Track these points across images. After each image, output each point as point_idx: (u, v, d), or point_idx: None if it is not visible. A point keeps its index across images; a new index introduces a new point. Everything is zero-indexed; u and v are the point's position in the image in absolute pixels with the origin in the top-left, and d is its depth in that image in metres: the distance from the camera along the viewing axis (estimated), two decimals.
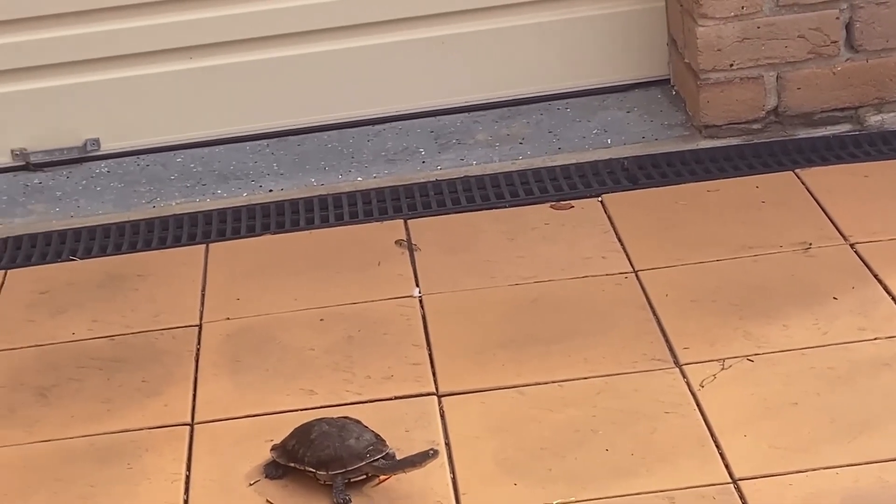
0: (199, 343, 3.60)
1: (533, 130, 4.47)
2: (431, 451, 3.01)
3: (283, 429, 3.19)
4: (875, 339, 3.32)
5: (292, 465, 3.04)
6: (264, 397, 3.35)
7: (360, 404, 3.29)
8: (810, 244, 3.74)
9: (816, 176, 4.06)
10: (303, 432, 3.08)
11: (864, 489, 2.86)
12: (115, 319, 3.72)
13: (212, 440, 3.22)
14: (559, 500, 2.93)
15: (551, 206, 4.07)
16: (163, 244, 4.09)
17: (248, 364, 3.48)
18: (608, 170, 4.21)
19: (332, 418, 3.13)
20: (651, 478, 2.97)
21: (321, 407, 3.28)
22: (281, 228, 4.11)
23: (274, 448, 3.09)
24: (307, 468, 3.01)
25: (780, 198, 3.99)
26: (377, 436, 3.07)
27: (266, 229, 4.11)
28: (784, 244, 3.76)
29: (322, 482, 3.01)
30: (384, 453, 3.03)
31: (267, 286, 3.82)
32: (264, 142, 4.58)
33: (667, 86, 4.57)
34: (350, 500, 2.96)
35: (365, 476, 3.02)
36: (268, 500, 3.01)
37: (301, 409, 3.29)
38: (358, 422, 3.10)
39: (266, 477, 3.07)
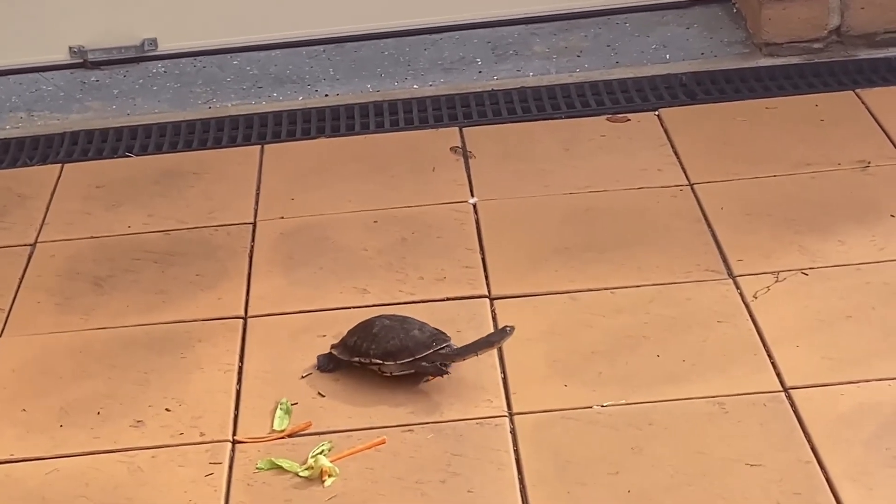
0: (252, 240, 3.61)
1: (591, 44, 4.44)
2: (508, 328, 3.02)
3: (335, 325, 3.22)
4: None
5: (357, 359, 3.04)
6: (317, 294, 3.37)
7: (413, 304, 3.30)
8: (869, 162, 3.71)
9: (877, 96, 4.02)
10: (364, 328, 3.09)
11: None
12: (170, 214, 3.74)
13: (265, 334, 3.24)
14: (609, 402, 2.94)
15: (607, 119, 4.06)
16: (218, 144, 4.10)
17: (301, 262, 3.50)
18: (666, 85, 4.19)
19: (391, 314, 3.15)
20: (702, 384, 2.97)
21: (374, 305, 3.30)
22: (336, 132, 4.11)
23: (334, 346, 3.10)
24: (373, 360, 3.02)
25: (839, 116, 3.95)
26: (438, 329, 3.08)
27: (321, 133, 4.12)
28: (842, 161, 3.73)
29: (388, 374, 3.02)
30: (447, 343, 3.03)
31: (321, 188, 3.83)
32: (320, 47, 4.57)
33: (727, 3, 4.53)
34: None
35: (431, 377, 3.03)
36: (319, 393, 3.03)
37: (354, 307, 3.30)
38: (415, 318, 3.11)
39: (318, 369, 3.10)
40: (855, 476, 2.69)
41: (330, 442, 2.88)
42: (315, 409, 2.99)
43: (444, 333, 3.06)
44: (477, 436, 2.88)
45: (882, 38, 4.20)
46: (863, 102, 4.00)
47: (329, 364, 3.08)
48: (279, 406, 3.00)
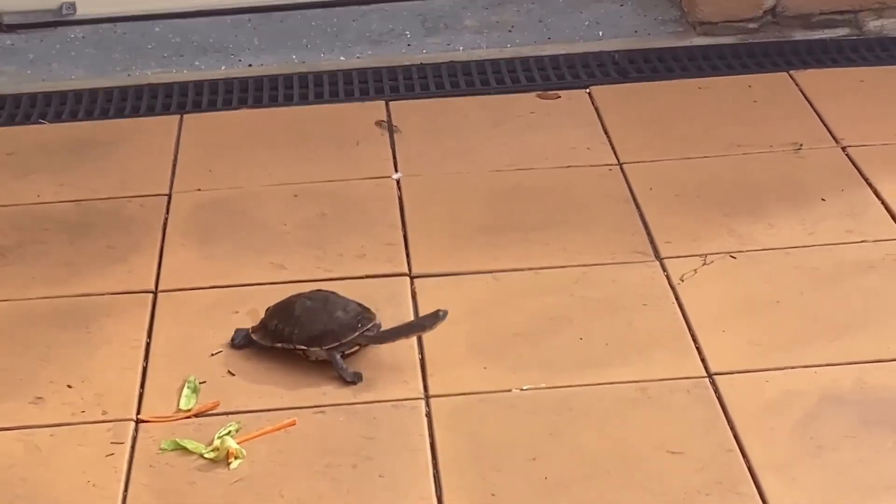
0: (167, 213, 3.48)
1: (523, 19, 4.34)
2: (441, 312, 2.89)
3: (249, 301, 3.10)
4: (862, 241, 3.22)
5: (280, 345, 2.91)
6: (232, 269, 3.25)
7: (331, 281, 3.18)
8: (801, 145, 3.64)
9: (811, 78, 3.95)
10: (283, 310, 2.96)
11: (843, 389, 2.78)
12: (83, 184, 3.60)
13: (175, 309, 3.12)
14: (529, 386, 2.85)
15: (538, 96, 3.96)
16: (136, 113, 3.95)
17: (217, 236, 3.38)
18: (598, 62, 4.09)
19: (311, 292, 3.02)
20: (625, 368, 2.88)
21: (291, 282, 3.18)
22: (258, 103, 3.98)
23: (255, 331, 2.96)
24: (297, 346, 2.90)
25: (772, 98, 3.88)
26: (361, 305, 2.96)
27: (243, 104, 3.99)
28: (774, 144, 3.65)
29: (313, 359, 2.90)
30: (374, 322, 2.92)
31: (241, 160, 3.70)
32: (246, 16, 4.43)
33: None
34: (361, 376, 2.85)
35: (358, 347, 2.91)
36: (229, 371, 2.92)
37: (270, 283, 3.19)
38: (336, 294, 3.00)
39: (232, 346, 2.99)
40: (778, 466, 2.60)
41: (238, 423, 2.76)
42: (224, 388, 2.87)
43: (369, 311, 2.94)
44: (391, 419, 2.78)
45: (818, 20, 4.12)
46: (796, 84, 3.92)
47: (243, 340, 2.96)
48: (186, 384, 2.87)
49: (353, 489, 2.60)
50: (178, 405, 2.82)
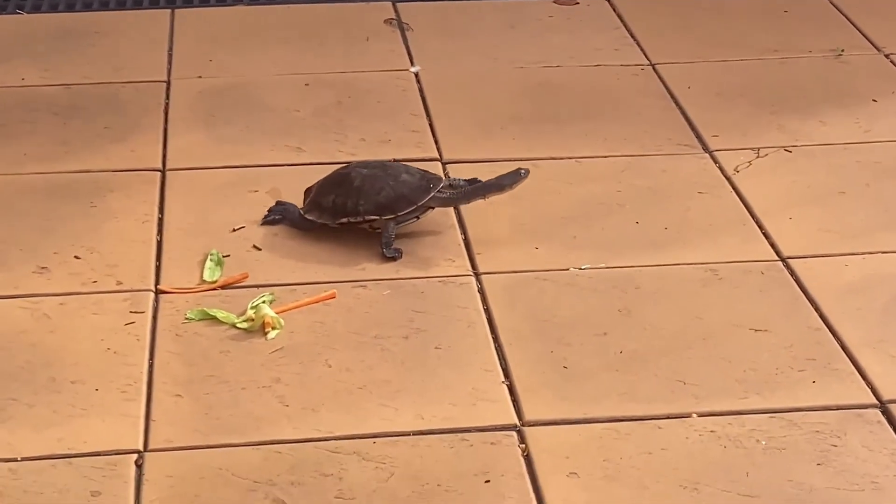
0: (167, 98, 3.18)
1: None
2: (523, 171, 2.63)
3: (268, 181, 2.83)
4: None
5: (345, 220, 2.60)
6: (245, 151, 2.97)
7: None
8: (842, 51, 3.44)
9: None
10: (338, 184, 2.65)
11: None
12: (71, 70, 3.30)
13: (187, 187, 2.83)
14: (588, 265, 2.61)
15: (555, 1, 3.73)
16: (122, 6, 3.66)
17: (224, 119, 3.09)
18: None
19: (360, 162, 2.73)
20: (689, 251, 2.64)
21: (311, 163, 2.91)
22: (255, 1, 3.73)
23: (308, 211, 2.64)
24: (366, 217, 2.59)
25: (804, 10, 3.66)
26: (423, 170, 2.68)
27: (239, 1, 3.73)
28: (813, 49, 3.44)
29: (386, 231, 2.59)
30: (444, 182, 2.63)
31: (243, 52, 3.42)
32: None
33: None
34: (401, 252, 2.57)
35: (430, 211, 2.63)
36: (255, 246, 2.64)
37: (288, 164, 2.91)
38: (391, 161, 2.72)
39: (266, 222, 2.68)
40: (874, 343, 2.38)
41: (272, 293, 2.50)
42: (251, 262, 2.59)
43: (431, 173, 2.67)
44: (440, 294, 2.52)
45: None
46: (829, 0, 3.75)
47: (306, 225, 2.64)
48: (209, 257, 2.59)
49: (407, 360, 2.33)
50: (201, 277, 2.55)
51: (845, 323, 2.44)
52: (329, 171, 2.80)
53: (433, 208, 2.62)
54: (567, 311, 2.47)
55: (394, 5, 3.68)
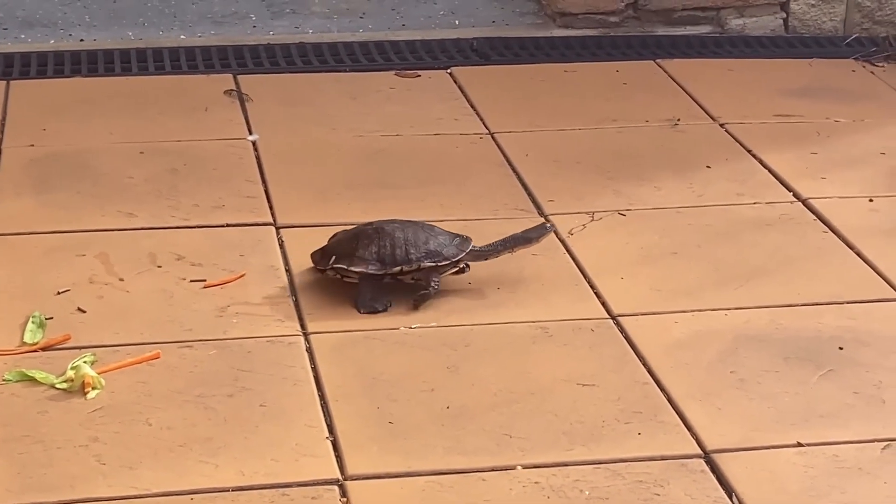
0: None
1: (374, 6, 4.12)
2: (549, 225, 2.75)
3: (95, 246, 2.78)
4: (755, 203, 3.05)
5: (397, 268, 2.61)
6: (74, 216, 2.91)
7: (188, 229, 2.89)
8: (679, 120, 3.49)
9: (679, 66, 3.80)
10: (374, 238, 2.64)
11: (758, 329, 2.58)
12: None
13: (12, 251, 2.76)
14: (419, 324, 2.58)
15: (396, 74, 3.73)
16: None
17: (56, 186, 3.04)
18: (456, 48, 3.88)
19: (376, 222, 2.71)
20: (521, 310, 2.64)
21: (143, 228, 2.87)
22: (94, 73, 3.68)
23: (354, 263, 2.60)
24: (422, 265, 2.60)
25: (642, 82, 3.72)
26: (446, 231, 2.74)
27: (76, 73, 3.67)
28: (651, 119, 3.48)
29: (430, 281, 2.62)
30: (471, 240, 2.70)
31: (78, 121, 3.37)
32: None
33: None
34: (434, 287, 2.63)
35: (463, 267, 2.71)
36: (79, 308, 2.58)
37: (119, 230, 2.87)
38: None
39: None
40: (701, 396, 2.38)
41: (93, 354, 2.44)
42: (75, 324, 2.54)
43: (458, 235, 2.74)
44: (268, 353, 2.47)
45: (680, 16, 3.99)
46: (664, 71, 3.77)
47: (374, 295, 2.61)
48: (31, 319, 2.52)
49: (231, 417, 2.28)
50: (21, 339, 2.49)
51: (672, 377, 2.44)
52: (163, 235, 2.79)
53: (467, 264, 2.70)
54: (395, 369, 2.45)
55: (234, 77, 3.66)
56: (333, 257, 2.64)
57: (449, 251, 2.64)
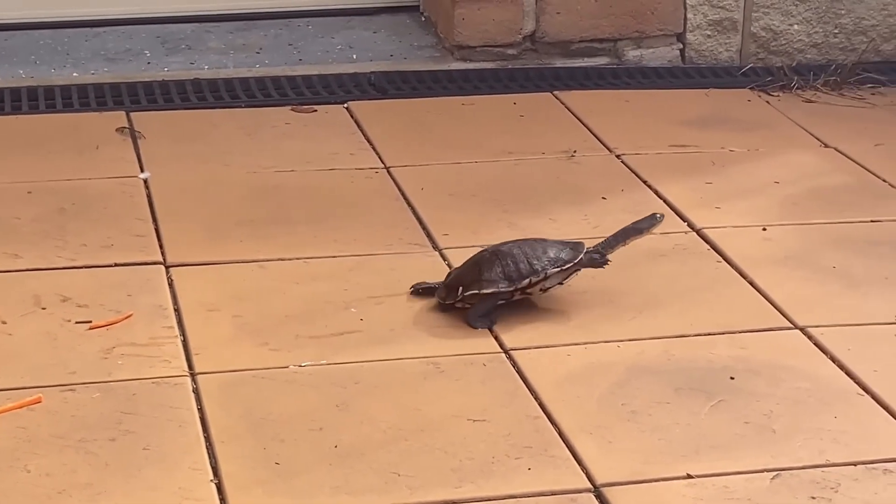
0: None
1: (271, 42, 4.08)
2: (658, 215, 2.81)
3: None
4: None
5: (527, 280, 2.65)
6: None
7: (75, 269, 2.83)
8: (575, 152, 3.48)
9: (576, 98, 3.81)
10: (495, 261, 2.69)
11: (650, 360, 2.57)
12: None
13: None
14: (308, 362, 2.55)
15: (292, 109, 3.70)
16: None
17: None
18: (354, 82, 3.86)
19: (494, 245, 2.75)
20: (413, 345, 2.60)
21: (28, 270, 2.82)
22: None
23: (484, 287, 2.64)
24: (549, 273, 2.66)
25: (539, 114, 3.71)
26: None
27: None
28: (547, 151, 3.47)
29: (549, 286, 2.70)
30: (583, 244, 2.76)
31: None
32: None
33: (415, 12, 4.26)
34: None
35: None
36: None
37: (4, 271, 2.81)
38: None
39: (476, 324, 2.65)
40: (591, 429, 2.36)
41: None
42: None
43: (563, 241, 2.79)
44: (153, 395, 2.43)
45: (577, 48, 4.00)
46: (562, 103, 3.77)
47: (487, 311, 2.66)
48: None
49: (112, 462, 2.23)
50: None
51: (564, 411, 2.42)
52: (49, 276, 2.75)
53: (579, 269, 2.74)
54: (283, 409, 2.40)
55: (127, 114, 3.61)
56: (460, 288, 2.68)
57: (568, 255, 2.70)
